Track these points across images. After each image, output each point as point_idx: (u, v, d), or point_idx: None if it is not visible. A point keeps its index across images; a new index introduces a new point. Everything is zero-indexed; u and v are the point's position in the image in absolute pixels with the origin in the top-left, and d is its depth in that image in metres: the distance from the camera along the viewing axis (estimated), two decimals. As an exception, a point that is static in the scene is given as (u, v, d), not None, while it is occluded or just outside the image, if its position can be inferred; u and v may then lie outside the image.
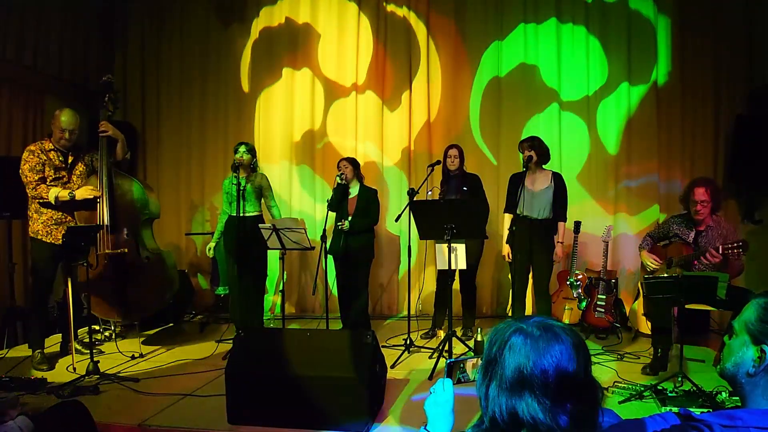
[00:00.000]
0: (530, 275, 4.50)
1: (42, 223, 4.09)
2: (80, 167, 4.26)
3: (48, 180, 4.06)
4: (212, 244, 4.81)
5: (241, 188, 4.45)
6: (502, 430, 1.10)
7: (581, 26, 5.51)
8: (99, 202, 4.19)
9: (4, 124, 4.83)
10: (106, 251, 4.22)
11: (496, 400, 1.10)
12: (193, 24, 6.18)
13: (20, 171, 4.01)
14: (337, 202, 4.69)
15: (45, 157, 4.06)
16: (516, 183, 4.42)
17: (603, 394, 1.13)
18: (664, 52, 5.36)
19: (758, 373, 1.18)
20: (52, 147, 4.11)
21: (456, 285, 4.86)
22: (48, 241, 4.09)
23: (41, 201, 4.05)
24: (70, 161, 4.20)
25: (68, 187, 4.13)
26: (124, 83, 6.27)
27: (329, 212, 4.59)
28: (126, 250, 4.28)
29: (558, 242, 4.42)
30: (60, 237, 4.06)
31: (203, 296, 6.05)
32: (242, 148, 4.63)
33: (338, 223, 4.69)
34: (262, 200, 4.78)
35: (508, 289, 5.40)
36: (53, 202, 4.02)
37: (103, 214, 4.22)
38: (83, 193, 4.11)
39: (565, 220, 4.47)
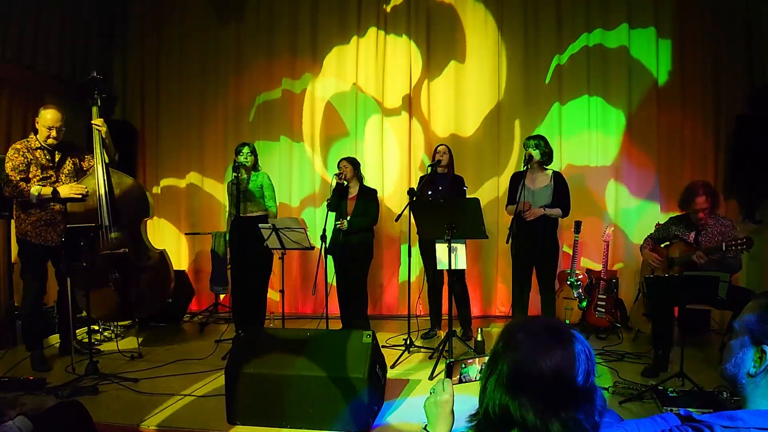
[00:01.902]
0: (533, 275, 4.49)
1: (31, 224, 3.98)
2: (68, 165, 4.14)
3: (35, 180, 3.94)
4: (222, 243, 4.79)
5: (242, 189, 4.45)
6: (494, 424, 1.09)
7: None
8: (100, 203, 4.12)
9: (4, 125, 4.80)
10: (106, 251, 4.17)
11: (492, 394, 1.11)
12: (193, 23, 6.16)
13: (3, 169, 3.89)
14: (337, 201, 4.68)
15: (31, 156, 3.94)
16: (516, 181, 4.41)
17: (605, 403, 1.11)
18: (664, 53, 5.35)
19: (759, 373, 1.17)
20: (39, 145, 3.99)
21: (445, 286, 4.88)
22: (37, 242, 4.00)
23: (19, 200, 3.91)
24: (57, 159, 4.09)
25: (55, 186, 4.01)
26: (124, 83, 6.27)
27: (328, 212, 4.59)
28: (126, 250, 4.23)
29: (541, 207, 4.30)
30: (50, 238, 4.02)
31: (203, 296, 6.04)
32: (245, 150, 4.60)
33: (336, 223, 4.68)
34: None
35: (509, 289, 5.39)
36: (33, 201, 3.87)
37: (103, 213, 4.15)
38: (68, 191, 3.98)
39: (565, 212, 4.38)
